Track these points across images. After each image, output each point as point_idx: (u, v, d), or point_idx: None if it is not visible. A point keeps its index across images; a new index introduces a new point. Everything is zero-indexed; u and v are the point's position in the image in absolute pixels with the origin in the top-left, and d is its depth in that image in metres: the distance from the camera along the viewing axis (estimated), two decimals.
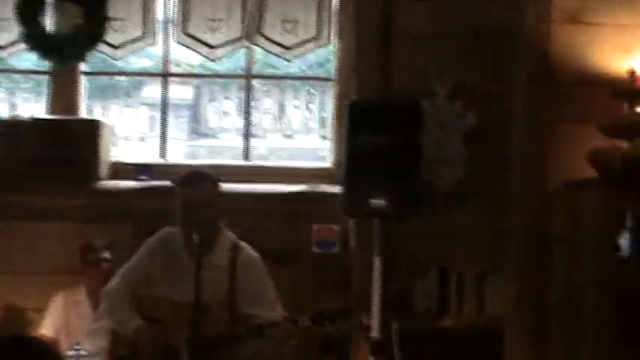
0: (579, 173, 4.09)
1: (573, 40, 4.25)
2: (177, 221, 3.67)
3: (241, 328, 3.49)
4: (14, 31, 4.87)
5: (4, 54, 4.99)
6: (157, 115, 5.43)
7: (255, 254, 3.71)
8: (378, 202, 4.17)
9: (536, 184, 4.34)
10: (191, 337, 3.37)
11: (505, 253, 4.46)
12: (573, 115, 4.22)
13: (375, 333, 4.16)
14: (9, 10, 4.85)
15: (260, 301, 3.60)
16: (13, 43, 4.93)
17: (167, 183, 4.70)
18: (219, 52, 4.94)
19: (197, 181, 3.69)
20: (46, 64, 4.99)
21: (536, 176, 4.34)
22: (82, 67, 5.06)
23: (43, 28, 4.86)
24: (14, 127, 4.75)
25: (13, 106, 6.73)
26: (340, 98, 4.83)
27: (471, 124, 4.64)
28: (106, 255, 4.45)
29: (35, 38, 4.83)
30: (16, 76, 6.38)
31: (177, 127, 6.46)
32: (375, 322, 4.21)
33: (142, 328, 3.57)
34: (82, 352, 3.99)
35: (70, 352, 4.07)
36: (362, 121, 4.28)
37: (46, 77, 5.07)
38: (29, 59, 5.23)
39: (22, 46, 4.90)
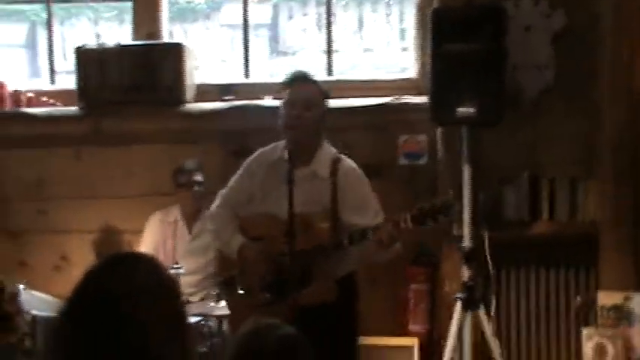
0: None
1: None
2: (281, 123, 3.63)
3: (344, 236, 3.48)
4: None
5: None
6: (237, 35, 5.41)
7: (355, 166, 3.70)
8: (465, 109, 4.13)
9: (627, 85, 4.23)
10: (290, 251, 3.37)
11: (597, 157, 4.38)
12: None
13: (466, 242, 4.16)
14: None
15: (363, 211, 3.58)
16: None
17: (251, 102, 4.77)
18: None
19: (300, 81, 3.67)
20: None
21: (626, 77, 4.22)
22: None
23: None
24: (101, 54, 4.81)
25: (97, 35, 6.81)
26: (422, 7, 4.73)
27: (559, 25, 4.49)
28: (197, 177, 4.52)
29: None
30: (99, 5, 6.43)
31: (257, 46, 6.44)
32: (466, 231, 4.20)
33: (245, 246, 3.62)
34: (180, 271, 4.09)
35: (170, 271, 4.18)
36: (445, 29, 4.21)
37: (127, 4, 5.09)
38: None
39: None
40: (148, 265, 1.97)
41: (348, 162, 3.67)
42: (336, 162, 3.61)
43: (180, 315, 1.95)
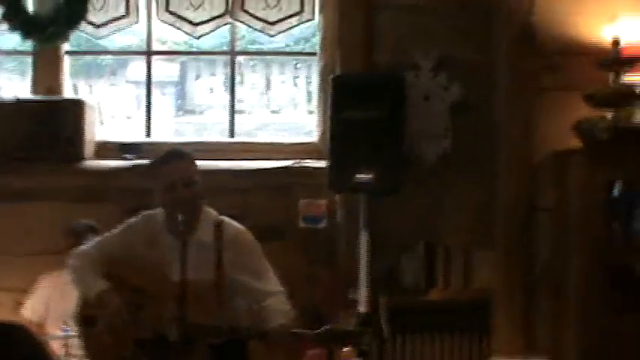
0: (565, 143, 4.09)
1: (556, 9, 4.23)
2: (159, 201, 3.61)
3: (244, 328, 3.43)
4: None
5: None
6: (143, 92, 5.39)
7: (240, 227, 3.66)
8: (363, 176, 4.18)
9: (523, 155, 4.35)
10: (179, 318, 3.31)
11: (492, 225, 4.47)
12: (558, 84, 4.23)
13: (362, 307, 4.18)
14: None
15: (258, 274, 3.55)
16: None
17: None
18: (201, 29, 4.91)
19: (176, 158, 3.61)
20: (29, 45, 4.95)
21: (522, 147, 4.34)
22: (66, 46, 5.02)
23: (25, 9, 4.81)
24: None
25: None
26: (325, 73, 4.80)
27: (456, 96, 4.61)
28: (88, 240, 4.39)
29: (17, 18, 4.79)
30: (0, 56, 6.32)
31: (164, 104, 6.42)
32: (362, 295, 4.23)
33: (105, 293, 3.47)
34: (71, 333, 3.98)
35: (59, 334, 4.07)
36: (346, 96, 4.29)
37: (30, 58, 5.02)
38: (13, 39, 5.18)
39: (5, 26, 4.85)
40: (20, 338, 1.91)
41: (232, 224, 3.64)
42: (219, 226, 3.57)
43: None
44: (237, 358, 3.60)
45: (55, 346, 4.06)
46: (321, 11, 4.86)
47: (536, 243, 4.25)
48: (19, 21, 4.76)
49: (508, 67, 4.36)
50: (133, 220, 3.68)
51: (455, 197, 4.61)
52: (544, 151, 4.24)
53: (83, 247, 3.70)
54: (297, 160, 4.79)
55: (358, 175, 4.17)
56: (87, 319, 3.59)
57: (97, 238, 3.75)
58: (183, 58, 6.43)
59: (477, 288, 4.55)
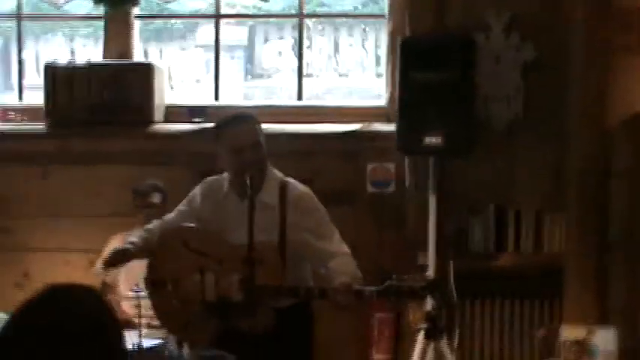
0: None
1: None
2: (225, 165, 3.62)
3: (302, 288, 3.44)
4: None
5: (61, 0, 5.00)
6: (212, 56, 5.40)
7: (304, 189, 3.64)
8: (433, 139, 4.12)
9: (596, 118, 4.23)
10: (245, 280, 3.34)
11: (564, 189, 4.38)
12: (634, 45, 4.08)
13: (431, 272, 4.14)
14: None
15: (323, 234, 3.54)
16: None
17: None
18: None
19: (242, 121, 3.61)
20: (101, 10, 4.99)
21: (595, 110, 4.23)
22: (136, 11, 5.04)
23: None
24: (70, 72, 4.78)
25: (72, 51, 6.79)
26: (394, 35, 4.72)
27: (529, 57, 4.50)
28: (154, 199, 4.44)
29: None
30: (75, 22, 6.40)
31: (233, 68, 6.45)
32: (431, 260, 4.19)
33: (167, 231, 3.55)
34: (142, 294, 4.04)
35: (130, 294, 4.13)
36: (415, 59, 4.22)
37: (102, 23, 5.07)
38: (86, 5, 5.24)
39: None
40: (88, 301, 1.93)
41: (297, 187, 3.62)
42: (283, 188, 3.57)
43: (120, 356, 1.91)
44: (302, 321, 3.62)
45: (127, 307, 4.12)
46: None
47: (610, 206, 4.14)
48: None
49: (582, 26, 4.22)
50: (194, 190, 3.72)
51: (526, 160, 4.52)
52: (618, 113, 4.12)
53: (147, 226, 3.76)
54: (366, 124, 4.75)
55: (427, 138, 4.12)
56: (156, 282, 3.65)
57: (165, 217, 3.79)
58: (252, 22, 6.43)
59: (548, 253, 4.47)
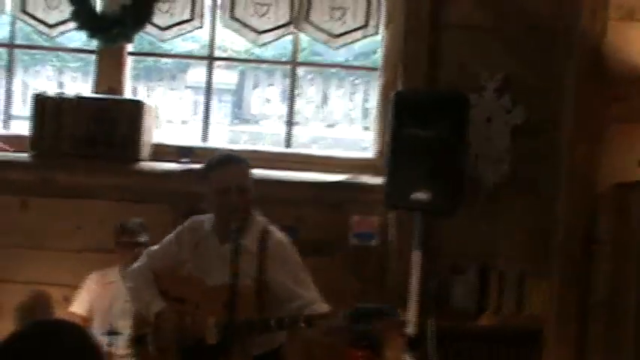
0: (630, 176, 3.99)
1: (627, 37, 4.14)
2: (211, 206, 3.60)
3: (273, 319, 3.42)
4: (65, 10, 4.88)
5: (54, 32, 5.00)
6: (201, 98, 5.40)
7: (284, 238, 3.64)
8: (420, 195, 4.11)
9: (585, 184, 4.25)
10: (225, 322, 3.31)
11: (549, 253, 4.38)
12: (625, 115, 4.12)
13: (411, 329, 4.10)
14: None
15: (298, 281, 3.54)
16: (63, 22, 4.94)
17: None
18: (265, 37, 4.89)
19: (232, 163, 3.60)
20: (94, 44, 4.99)
21: (584, 176, 4.24)
22: (129, 47, 5.04)
23: (92, 8, 4.86)
24: (59, 104, 4.75)
25: (61, 84, 6.77)
26: (386, 88, 4.75)
27: (519, 119, 4.54)
28: (141, 238, 4.40)
29: (84, 17, 4.84)
30: (66, 55, 6.39)
31: (221, 111, 6.44)
32: (411, 317, 4.15)
33: (164, 312, 3.52)
34: (114, 337, 3.98)
35: (104, 332, 4.06)
36: (407, 113, 4.22)
37: (93, 57, 5.06)
38: (78, 39, 5.24)
39: (72, 25, 4.90)
40: (71, 335, 1.89)
41: (277, 234, 3.62)
42: (264, 234, 3.56)
43: None
44: None
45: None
46: (386, 27, 4.81)
47: (594, 273, 4.15)
48: (87, 20, 4.80)
49: (574, 93, 4.27)
50: (181, 226, 3.71)
51: (512, 222, 4.53)
52: (607, 181, 4.14)
53: (136, 265, 3.75)
54: (352, 175, 4.74)
55: (415, 194, 4.11)
56: (139, 338, 3.63)
57: (147, 251, 3.79)
58: (242, 67, 6.45)
59: (529, 315, 4.45)
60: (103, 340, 3.94)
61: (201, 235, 3.62)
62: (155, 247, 3.77)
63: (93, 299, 4.50)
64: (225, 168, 3.57)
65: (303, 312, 3.45)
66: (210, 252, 3.56)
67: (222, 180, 3.53)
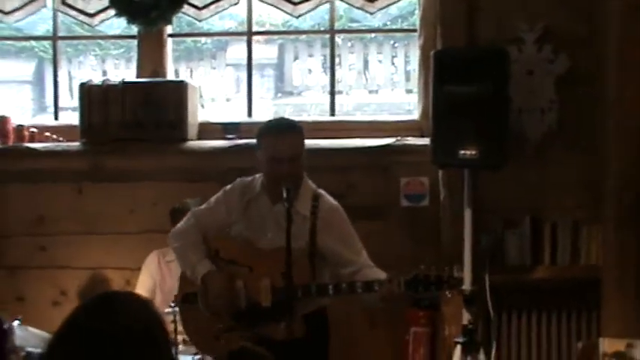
0: None
1: None
2: (262, 169, 3.62)
3: (331, 285, 3.46)
4: None
5: (94, 21, 5.07)
6: (243, 75, 5.44)
7: (335, 203, 3.67)
8: (467, 152, 4.12)
9: (632, 127, 4.21)
10: (280, 285, 3.36)
11: (601, 200, 4.35)
12: None
13: (467, 285, 4.12)
14: None
15: (348, 246, 3.58)
16: (102, 11, 5.01)
17: (254, 141, 4.75)
18: (301, 8, 4.90)
19: (285, 132, 3.60)
20: (134, 30, 5.05)
21: (632, 120, 4.20)
22: (168, 29, 5.09)
23: None
24: (105, 91, 4.83)
25: (104, 72, 6.87)
26: (425, 49, 4.73)
27: (562, 69, 4.49)
28: None
29: (123, 3, 4.89)
30: (107, 43, 6.49)
31: (263, 86, 6.49)
32: (466, 274, 4.17)
33: (211, 274, 3.54)
34: (177, 309, 4.04)
35: (166, 310, 4.14)
36: (448, 71, 4.22)
37: (134, 42, 5.13)
38: (118, 26, 5.32)
39: (111, 12, 4.96)
40: (138, 306, 1.94)
41: (328, 200, 3.66)
42: (315, 199, 3.60)
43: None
44: (320, 326, 3.63)
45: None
46: None
47: None
48: (125, 5, 4.86)
49: (616, 37, 4.21)
50: (228, 187, 3.73)
51: (561, 172, 4.50)
52: None
53: (181, 226, 3.76)
54: (398, 138, 4.75)
55: (462, 151, 4.11)
56: (187, 296, 3.67)
57: (195, 210, 3.80)
58: (281, 40, 6.48)
59: (585, 265, 4.44)
60: (166, 315, 4.02)
61: (252, 195, 3.65)
62: (202, 207, 3.77)
63: (154, 278, 4.58)
64: (278, 136, 3.58)
65: (356, 277, 3.50)
66: (261, 212, 3.61)
67: (274, 148, 3.55)
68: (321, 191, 3.68)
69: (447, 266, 3.49)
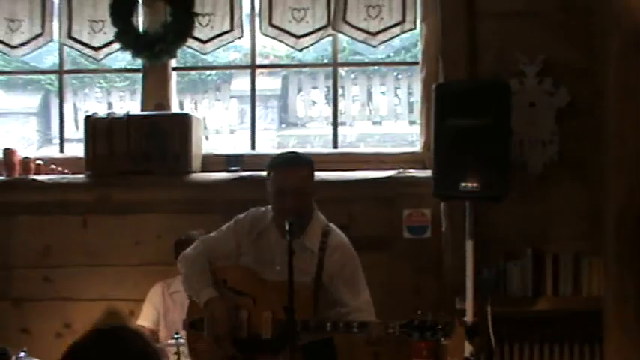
0: None
1: None
2: (270, 202, 3.67)
3: (329, 322, 3.48)
4: (109, 33, 5.01)
5: (100, 55, 5.13)
6: (247, 107, 5.48)
7: (344, 240, 3.70)
8: (469, 184, 4.14)
9: (634, 159, 4.23)
10: (281, 319, 3.39)
11: (602, 232, 4.36)
12: None
13: (469, 317, 4.13)
14: (102, 14, 5.00)
15: (351, 287, 3.60)
16: (107, 45, 5.07)
17: (257, 173, 4.79)
18: (304, 41, 4.96)
19: (292, 165, 3.64)
20: (138, 63, 5.11)
21: (632, 151, 4.22)
22: (173, 63, 5.15)
23: (135, 28, 4.98)
24: (110, 124, 4.87)
25: (110, 104, 6.93)
26: (427, 82, 4.78)
27: (562, 101, 4.54)
28: None
29: (128, 37, 4.96)
30: (112, 75, 6.54)
31: (267, 117, 6.53)
32: (468, 305, 4.18)
33: (213, 301, 3.58)
34: (181, 341, 4.06)
35: (170, 341, 4.16)
36: (450, 104, 4.25)
37: (139, 75, 5.18)
38: (123, 59, 5.38)
39: (116, 46, 5.02)
40: (134, 340, 1.97)
41: (338, 235, 3.68)
42: (325, 235, 3.62)
43: None
44: (327, 355, 3.65)
45: (168, 353, 4.15)
46: (423, 20, 4.85)
47: None
48: (130, 40, 4.92)
49: (616, 71, 4.25)
50: (241, 216, 3.76)
51: (562, 203, 4.53)
52: None
53: (189, 251, 3.80)
54: (401, 170, 4.78)
55: (464, 184, 4.14)
56: (193, 322, 3.69)
57: (203, 238, 3.85)
58: (285, 72, 6.53)
59: (587, 296, 4.45)
60: (170, 348, 4.04)
61: (262, 227, 3.69)
62: (212, 234, 3.81)
63: (158, 310, 4.60)
64: (284, 170, 3.62)
65: (343, 318, 3.51)
66: (271, 244, 3.64)
67: (279, 182, 3.59)
68: (332, 226, 3.71)
69: (443, 312, 3.49)
